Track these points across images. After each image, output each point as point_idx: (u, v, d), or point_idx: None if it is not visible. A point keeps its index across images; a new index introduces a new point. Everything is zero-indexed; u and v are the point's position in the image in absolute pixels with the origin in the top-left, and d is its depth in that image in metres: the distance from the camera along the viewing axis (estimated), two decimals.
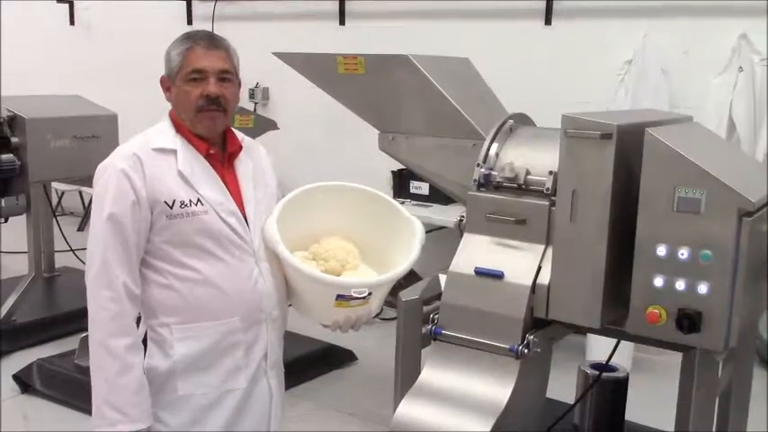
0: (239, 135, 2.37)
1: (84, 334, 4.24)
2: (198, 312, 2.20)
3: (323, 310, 2.27)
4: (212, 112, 2.19)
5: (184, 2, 7.17)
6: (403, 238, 2.35)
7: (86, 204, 7.67)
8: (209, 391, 2.24)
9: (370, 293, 2.20)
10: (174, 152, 2.19)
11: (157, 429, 2.24)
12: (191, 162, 2.20)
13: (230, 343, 2.24)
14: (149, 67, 7.17)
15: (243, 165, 2.32)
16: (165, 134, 2.23)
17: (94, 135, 4.96)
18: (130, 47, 7.48)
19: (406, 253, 2.30)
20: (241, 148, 2.32)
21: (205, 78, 2.18)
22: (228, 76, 2.22)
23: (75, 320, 4.74)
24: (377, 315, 2.43)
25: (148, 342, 2.24)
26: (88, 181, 5.70)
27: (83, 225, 7.59)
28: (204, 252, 2.20)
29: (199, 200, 2.17)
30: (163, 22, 7.30)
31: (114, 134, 5.13)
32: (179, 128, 2.24)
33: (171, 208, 2.14)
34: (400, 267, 2.25)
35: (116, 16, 7.62)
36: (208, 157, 2.24)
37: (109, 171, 2.17)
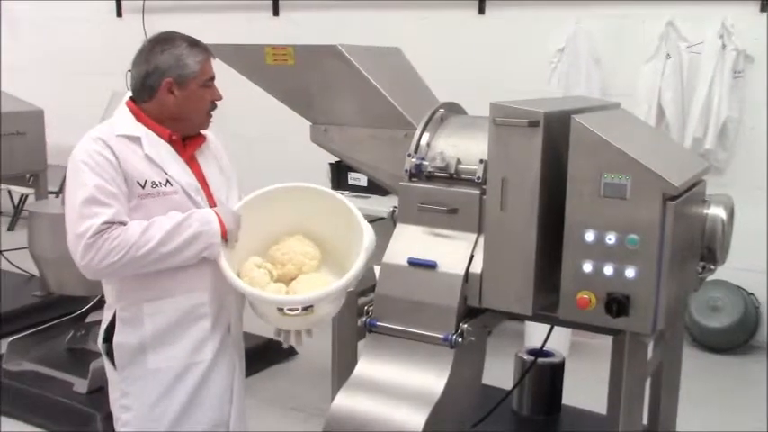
0: None
1: (13, 337, 4.16)
2: (168, 288, 2.29)
3: (272, 318, 2.29)
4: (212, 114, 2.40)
5: None
6: (358, 244, 2.31)
7: (16, 203, 7.43)
8: (177, 364, 2.34)
9: (310, 306, 2.20)
10: (139, 139, 2.28)
11: (124, 403, 2.36)
12: (156, 146, 2.30)
13: (198, 315, 2.34)
14: (78, 61, 7.11)
15: (203, 154, 2.44)
16: (127, 122, 2.31)
17: (19, 132, 4.83)
18: (58, 40, 7.27)
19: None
20: (205, 139, 2.45)
21: (213, 86, 2.38)
22: None
23: (3, 324, 4.60)
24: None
25: (118, 321, 2.33)
26: (14, 179, 5.54)
27: (13, 225, 7.36)
28: None
29: (168, 180, 2.27)
30: (92, 15, 7.12)
31: (41, 130, 4.99)
32: (139, 116, 2.33)
33: (143, 188, 2.24)
34: (334, 284, 2.21)
35: (43, 9, 7.39)
36: (170, 142, 2.34)
37: (80, 155, 2.22)
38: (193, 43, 2.35)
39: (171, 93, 2.30)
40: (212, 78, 2.38)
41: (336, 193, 2.42)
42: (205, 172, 2.41)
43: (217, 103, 2.41)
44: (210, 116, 2.42)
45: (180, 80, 2.30)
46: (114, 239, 2.13)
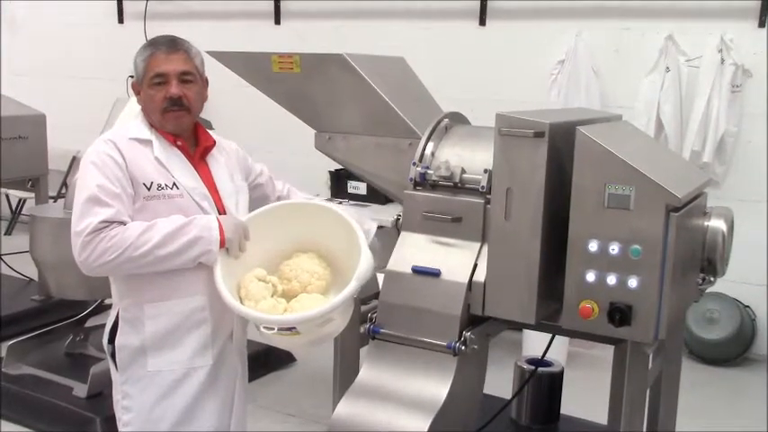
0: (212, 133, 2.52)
1: (13, 341, 4.16)
2: (169, 290, 2.30)
3: (268, 336, 2.27)
4: (176, 112, 2.33)
5: (115, 0, 7.01)
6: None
7: (14, 207, 7.42)
8: (177, 368, 2.35)
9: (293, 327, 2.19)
10: (150, 142, 2.33)
11: (125, 404, 2.38)
12: (166, 151, 2.34)
13: (198, 319, 2.34)
14: (80, 65, 7.13)
15: (215, 160, 2.45)
16: (140, 127, 2.37)
17: (21, 136, 4.82)
18: (60, 45, 7.28)
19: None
20: (214, 143, 2.46)
21: (167, 81, 2.31)
22: (190, 77, 2.35)
23: (2, 328, 4.59)
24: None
25: (120, 321, 2.36)
26: (13, 183, 5.54)
27: (10, 229, 7.36)
28: None
29: (174, 184, 2.30)
30: (93, 21, 7.13)
31: (42, 135, 4.99)
32: (152, 123, 2.38)
33: (149, 189, 2.27)
34: (312, 311, 2.17)
35: (44, 14, 7.40)
36: (177, 148, 2.37)
37: (90, 155, 2.28)
38: (150, 42, 2.37)
39: (138, 95, 2.38)
40: (160, 75, 2.30)
41: (347, 215, 2.35)
42: (215, 178, 2.42)
43: (183, 100, 2.31)
44: (170, 114, 2.32)
45: (137, 81, 2.37)
46: (111, 239, 2.16)
